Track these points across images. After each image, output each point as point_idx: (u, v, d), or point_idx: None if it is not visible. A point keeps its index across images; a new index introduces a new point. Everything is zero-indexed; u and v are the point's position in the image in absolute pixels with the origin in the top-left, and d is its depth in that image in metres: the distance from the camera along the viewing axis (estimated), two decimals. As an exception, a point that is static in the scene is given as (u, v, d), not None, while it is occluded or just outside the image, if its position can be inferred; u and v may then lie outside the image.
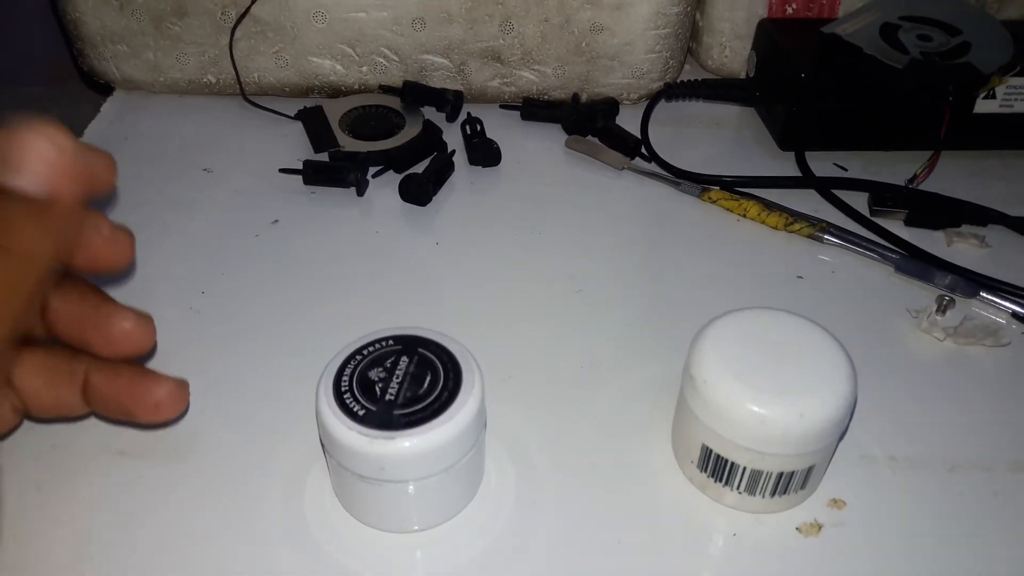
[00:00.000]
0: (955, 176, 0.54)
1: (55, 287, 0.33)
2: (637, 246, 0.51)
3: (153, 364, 0.42)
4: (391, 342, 0.34)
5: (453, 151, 0.56)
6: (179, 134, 0.58)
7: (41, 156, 0.27)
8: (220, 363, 0.42)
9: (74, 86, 0.73)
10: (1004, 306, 0.46)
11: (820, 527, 0.35)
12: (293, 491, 0.36)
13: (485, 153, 0.56)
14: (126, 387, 0.33)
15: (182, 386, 0.34)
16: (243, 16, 0.57)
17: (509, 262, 0.49)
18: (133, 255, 0.32)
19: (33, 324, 0.33)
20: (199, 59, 0.60)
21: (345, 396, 0.32)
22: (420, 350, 0.34)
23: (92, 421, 0.38)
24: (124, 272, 0.33)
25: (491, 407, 0.36)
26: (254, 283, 0.47)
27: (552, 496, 0.36)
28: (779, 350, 0.34)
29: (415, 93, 0.59)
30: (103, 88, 0.63)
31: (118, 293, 0.35)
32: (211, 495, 0.36)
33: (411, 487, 0.32)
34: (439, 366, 0.33)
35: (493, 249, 0.50)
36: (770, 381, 0.33)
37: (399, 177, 0.53)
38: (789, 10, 0.61)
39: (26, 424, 0.38)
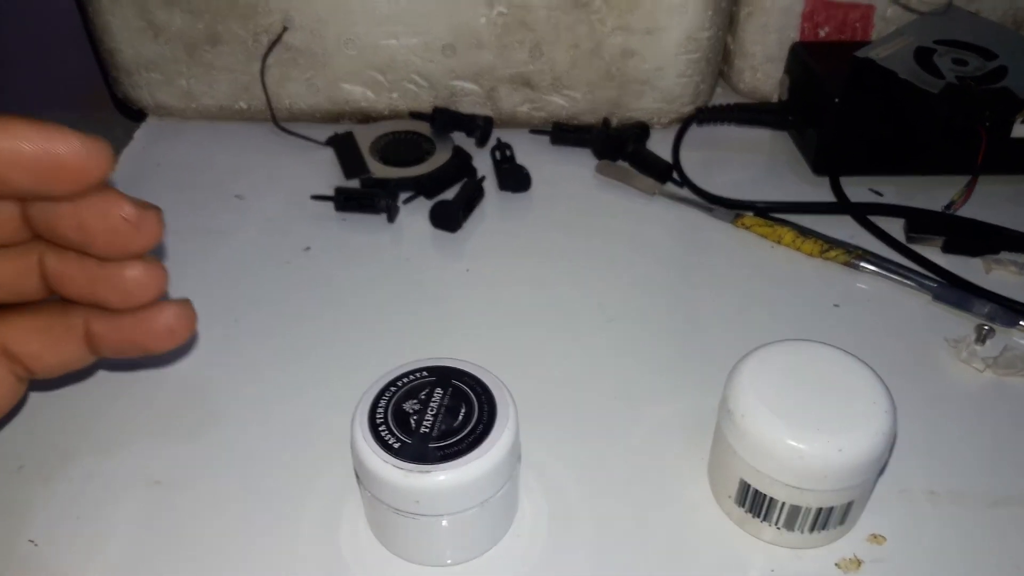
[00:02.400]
0: (993, 201, 0.54)
1: (50, 250, 0.31)
2: (669, 274, 0.50)
3: (187, 390, 0.42)
4: (425, 373, 0.34)
5: (483, 177, 0.56)
6: (211, 160, 0.59)
7: None
8: (253, 391, 0.42)
9: (107, 112, 0.74)
10: (1046, 335, 0.45)
11: (860, 563, 0.35)
12: (328, 522, 0.36)
13: (515, 178, 0.56)
14: (132, 325, 0.32)
15: (185, 304, 0.33)
16: (275, 43, 0.58)
17: (539, 290, 0.48)
18: (161, 235, 0.30)
19: (24, 287, 0.32)
20: (231, 86, 0.60)
21: (380, 428, 0.32)
22: (454, 381, 0.34)
23: (127, 451, 0.39)
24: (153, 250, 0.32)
25: (524, 439, 0.35)
26: (286, 310, 0.47)
27: (586, 531, 0.36)
28: (817, 384, 0.34)
29: (445, 119, 0.59)
30: (136, 115, 0.64)
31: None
32: (246, 525, 0.36)
33: (445, 521, 0.32)
34: (473, 398, 0.33)
35: (523, 276, 0.49)
36: (809, 416, 0.32)
37: (429, 203, 0.53)
38: (822, 33, 0.61)
39: (63, 453, 0.38)
